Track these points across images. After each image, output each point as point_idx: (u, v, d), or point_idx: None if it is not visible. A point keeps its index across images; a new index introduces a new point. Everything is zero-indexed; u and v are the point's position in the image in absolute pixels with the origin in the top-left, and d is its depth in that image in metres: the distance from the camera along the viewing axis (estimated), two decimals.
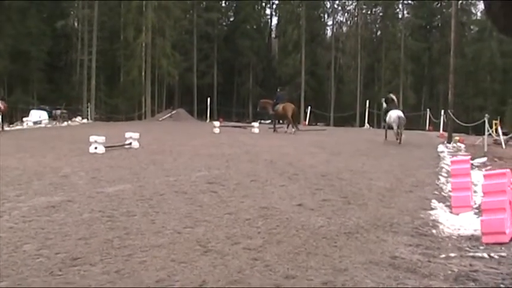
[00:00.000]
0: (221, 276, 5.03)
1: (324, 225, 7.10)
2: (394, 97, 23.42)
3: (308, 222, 7.22)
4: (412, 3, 63.03)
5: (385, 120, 22.54)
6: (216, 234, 6.43)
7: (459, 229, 7.07)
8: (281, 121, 31.14)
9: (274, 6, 67.35)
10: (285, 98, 29.80)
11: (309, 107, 46.23)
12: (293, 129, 27.26)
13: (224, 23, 67.07)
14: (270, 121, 31.19)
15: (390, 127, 21.98)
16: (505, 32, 2.36)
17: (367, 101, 44.73)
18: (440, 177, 12.03)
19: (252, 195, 9.10)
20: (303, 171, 12.33)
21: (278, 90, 31.95)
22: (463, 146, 20.63)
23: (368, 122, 44.32)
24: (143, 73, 52.01)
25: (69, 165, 12.62)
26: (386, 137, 22.46)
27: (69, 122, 39.34)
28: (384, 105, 23.58)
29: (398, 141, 21.11)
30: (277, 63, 63.05)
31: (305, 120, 45.75)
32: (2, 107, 27.03)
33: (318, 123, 52.29)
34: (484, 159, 15.09)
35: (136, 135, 17.59)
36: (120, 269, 5.18)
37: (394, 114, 21.40)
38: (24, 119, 37.35)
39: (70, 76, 54.18)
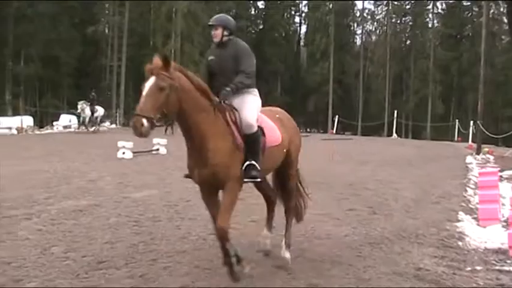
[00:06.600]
0: (244, 282, 5.06)
1: (349, 235, 7.10)
2: None
3: (333, 232, 7.22)
4: (442, 12, 62.39)
5: None
6: (241, 241, 6.45)
7: (486, 242, 7.00)
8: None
9: (303, 14, 67.11)
10: None
11: (337, 116, 46.28)
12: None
13: (253, 31, 66.91)
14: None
15: None
16: None
17: (395, 111, 44.56)
18: (467, 188, 11.91)
19: None
20: (328, 180, 12.31)
21: None
22: (492, 157, 20.36)
23: (396, 132, 44.10)
24: None
25: (96, 170, 12.80)
26: None
27: (98, 127, 39.71)
28: None
29: None
30: (305, 71, 62.77)
31: (332, 129, 45.77)
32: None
33: (346, 133, 52.10)
34: None
35: (164, 141, 17.74)
36: (145, 274, 5.24)
37: None
38: (54, 123, 37.91)
39: (98, 82, 54.69)
